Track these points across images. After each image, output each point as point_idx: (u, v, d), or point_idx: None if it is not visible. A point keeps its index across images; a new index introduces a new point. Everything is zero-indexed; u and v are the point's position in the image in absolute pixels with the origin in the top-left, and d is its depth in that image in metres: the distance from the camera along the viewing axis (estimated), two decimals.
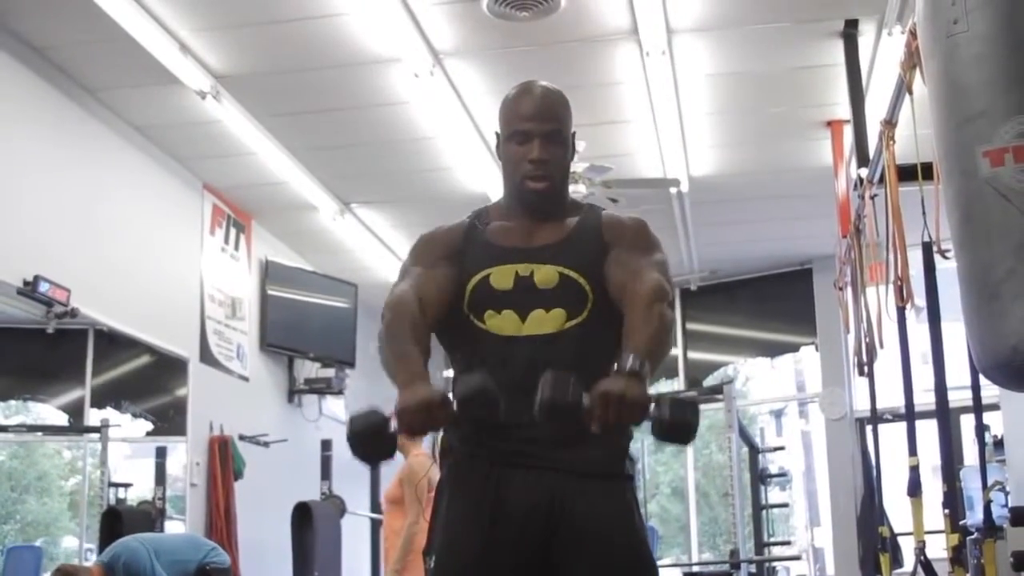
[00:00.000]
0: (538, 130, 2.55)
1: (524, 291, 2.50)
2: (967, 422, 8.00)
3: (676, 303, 10.22)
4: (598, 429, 2.17)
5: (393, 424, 2.26)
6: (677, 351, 10.22)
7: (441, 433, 6.36)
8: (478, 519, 2.40)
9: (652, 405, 2.18)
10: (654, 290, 2.38)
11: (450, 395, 2.28)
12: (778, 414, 17.06)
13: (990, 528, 3.96)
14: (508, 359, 2.46)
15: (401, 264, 2.68)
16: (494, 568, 2.39)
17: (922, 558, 4.58)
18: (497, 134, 2.64)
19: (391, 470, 6.95)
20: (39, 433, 8.12)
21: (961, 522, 4.48)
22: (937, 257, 3.99)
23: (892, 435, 7.10)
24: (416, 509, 5.58)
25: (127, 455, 7.51)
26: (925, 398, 4.99)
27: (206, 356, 7.54)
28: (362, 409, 2.30)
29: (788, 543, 10.34)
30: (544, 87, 2.62)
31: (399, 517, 5.69)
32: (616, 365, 2.20)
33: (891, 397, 6.89)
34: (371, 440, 2.28)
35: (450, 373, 2.65)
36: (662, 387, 10.45)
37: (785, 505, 11.45)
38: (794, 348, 10.64)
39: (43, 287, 5.67)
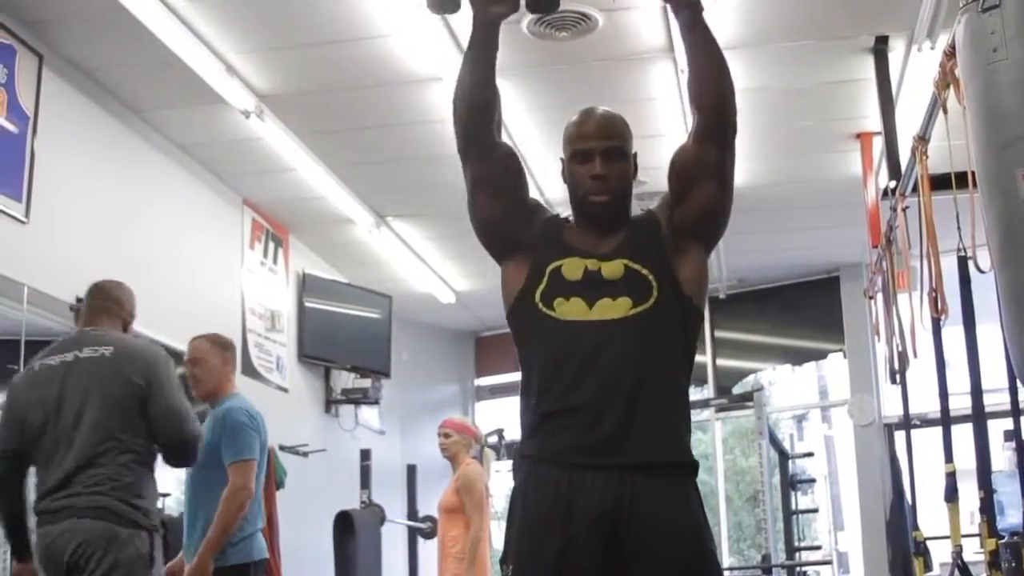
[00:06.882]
0: (599, 147, 2.69)
1: (592, 282, 2.63)
2: (993, 428, 8.06)
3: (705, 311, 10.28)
4: None
5: None
6: (706, 358, 10.33)
7: (485, 444, 6.42)
8: (552, 526, 2.50)
9: None
10: None
11: None
12: (800, 419, 17.13)
13: None
14: (575, 343, 2.58)
15: None
16: (570, 573, 2.49)
17: (959, 562, 4.67)
18: (562, 159, 2.77)
19: (434, 483, 7.04)
20: None
21: None
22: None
23: (921, 441, 7.17)
24: (478, 517, 5.68)
25: (160, 464, 7.55)
26: (953, 403, 5.06)
27: (247, 368, 7.66)
28: None
29: (819, 547, 10.39)
30: (604, 110, 2.76)
31: (456, 526, 5.79)
32: None
33: (920, 403, 6.98)
34: None
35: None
36: (692, 395, 10.52)
37: (815, 510, 11.50)
38: (821, 355, 10.71)
39: None
